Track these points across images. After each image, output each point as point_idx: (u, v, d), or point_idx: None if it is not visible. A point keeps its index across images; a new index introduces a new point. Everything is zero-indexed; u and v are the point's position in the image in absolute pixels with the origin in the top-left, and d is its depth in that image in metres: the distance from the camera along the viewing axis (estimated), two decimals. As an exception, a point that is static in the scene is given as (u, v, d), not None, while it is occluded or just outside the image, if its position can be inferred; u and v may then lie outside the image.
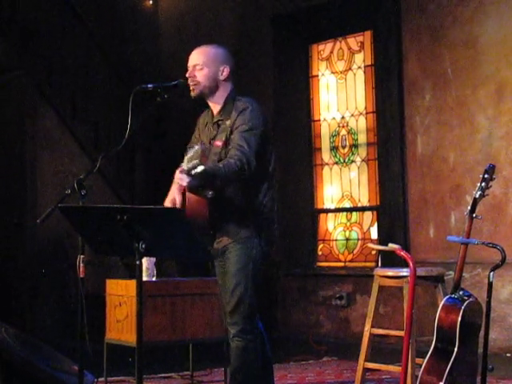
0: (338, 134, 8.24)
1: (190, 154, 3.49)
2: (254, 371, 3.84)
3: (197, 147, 3.51)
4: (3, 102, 8.20)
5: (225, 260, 3.90)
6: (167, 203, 3.90)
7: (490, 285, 3.89)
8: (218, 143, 3.89)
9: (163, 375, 5.92)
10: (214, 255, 3.95)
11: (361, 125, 8.04)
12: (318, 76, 8.41)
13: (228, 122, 3.86)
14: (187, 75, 3.92)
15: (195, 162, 3.43)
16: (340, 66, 8.23)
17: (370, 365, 4.89)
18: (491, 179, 4.09)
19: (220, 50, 3.98)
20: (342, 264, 8.10)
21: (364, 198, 8.00)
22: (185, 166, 3.47)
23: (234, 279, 3.84)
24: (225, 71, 3.92)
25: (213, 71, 3.90)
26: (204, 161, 3.50)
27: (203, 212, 3.77)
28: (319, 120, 8.40)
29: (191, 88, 3.92)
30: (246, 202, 3.85)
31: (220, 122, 3.93)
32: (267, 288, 8.20)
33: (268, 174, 3.91)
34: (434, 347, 4.01)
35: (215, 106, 3.98)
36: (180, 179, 3.55)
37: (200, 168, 3.42)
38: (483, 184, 4.06)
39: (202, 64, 3.90)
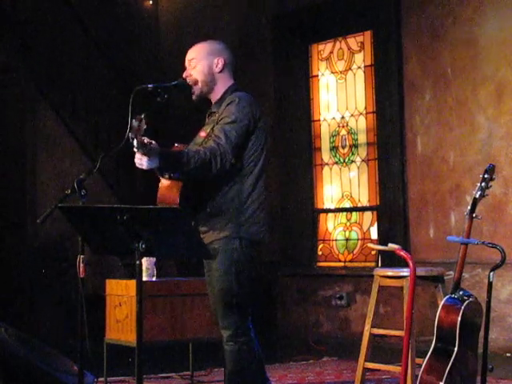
0: (338, 133, 8.24)
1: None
2: (249, 374, 3.81)
3: (133, 121, 3.33)
4: (3, 102, 8.20)
5: (209, 263, 3.85)
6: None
7: (490, 285, 3.89)
8: (202, 134, 3.87)
9: (163, 375, 5.92)
10: None
11: (361, 125, 8.04)
12: (318, 76, 8.41)
13: (217, 115, 3.83)
14: (184, 75, 3.90)
15: (130, 138, 3.32)
16: (340, 65, 8.23)
17: (370, 365, 4.89)
18: (491, 179, 4.09)
19: (213, 44, 3.98)
20: (342, 264, 8.10)
21: (364, 198, 8.00)
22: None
23: (218, 284, 3.78)
24: (219, 63, 3.90)
25: (207, 65, 3.88)
26: (136, 132, 3.30)
27: (173, 198, 3.69)
28: (319, 120, 8.40)
29: (192, 91, 3.90)
30: (226, 199, 3.76)
31: (212, 114, 3.92)
32: (267, 288, 8.21)
33: (253, 171, 3.81)
34: (434, 347, 4.01)
35: (213, 99, 3.96)
36: (139, 161, 3.48)
37: (136, 141, 3.30)
38: (483, 184, 4.07)
39: (195, 60, 3.89)
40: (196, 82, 3.89)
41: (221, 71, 3.91)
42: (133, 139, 3.31)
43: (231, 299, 3.76)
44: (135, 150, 3.37)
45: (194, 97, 3.93)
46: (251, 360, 3.81)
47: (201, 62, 3.89)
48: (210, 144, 3.67)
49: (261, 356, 3.90)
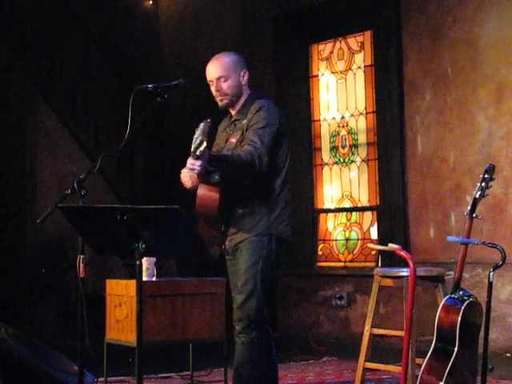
0: (338, 133, 8.24)
1: (195, 134, 3.47)
2: (257, 368, 3.85)
3: (201, 125, 3.47)
4: (3, 102, 8.20)
5: (235, 258, 3.95)
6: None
7: (490, 285, 3.89)
8: (233, 140, 3.98)
9: (163, 375, 5.92)
10: (226, 253, 4.02)
11: (361, 125, 8.04)
12: (318, 76, 8.41)
13: (244, 121, 3.95)
14: (214, 90, 3.98)
15: (198, 139, 3.41)
16: (340, 65, 8.23)
17: (370, 365, 4.89)
18: (491, 179, 4.09)
19: (236, 57, 4.07)
20: (342, 264, 8.10)
21: (364, 198, 8.00)
22: (192, 146, 3.45)
23: (242, 277, 3.88)
24: (245, 76, 4.03)
25: (236, 79, 3.99)
26: (203, 136, 3.45)
27: (213, 205, 3.79)
28: (319, 120, 8.40)
29: (219, 99, 3.99)
30: (257, 199, 3.90)
31: (237, 122, 4.03)
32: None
33: (281, 173, 3.96)
34: (434, 347, 4.01)
35: (234, 110, 4.06)
36: (191, 166, 3.54)
37: (204, 145, 3.40)
38: (483, 184, 4.07)
39: (225, 76, 3.97)
40: (227, 95, 3.98)
41: (245, 83, 4.03)
42: (202, 142, 3.40)
43: (252, 293, 3.84)
44: (198, 153, 3.43)
45: (221, 103, 4.01)
46: (261, 355, 3.86)
47: (230, 78, 3.98)
48: (246, 148, 3.79)
49: (275, 359, 3.95)
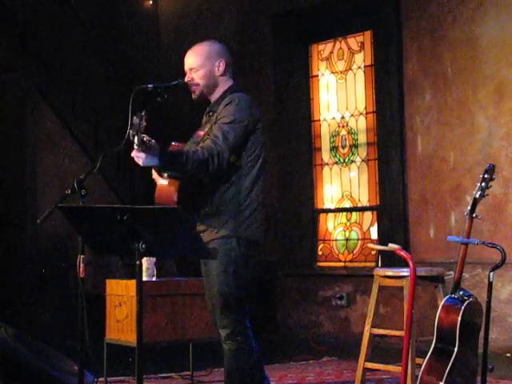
0: (338, 133, 8.24)
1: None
2: (247, 372, 3.81)
3: (134, 118, 3.36)
4: (3, 102, 8.20)
5: (206, 262, 3.85)
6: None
7: (490, 285, 3.89)
8: (200, 133, 3.89)
9: (163, 375, 5.92)
10: None
11: (361, 125, 8.04)
12: (318, 76, 8.41)
13: (215, 115, 3.83)
14: (185, 80, 3.90)
15: (131, 134, 3.36)
16: (340, 66, 8.23)
17: (370, 365, 4.89)
18: (491, 179, 4.09)
19: (213, 46, 3.96)
20: (342, 264, 8.10)
21: (364, 198, 8.00)
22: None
23: (216, 283, 3.78)
24: (221, 66, 3.90)
25: (209, 69, 3.89)
26: (137, 129, 3.35)
27: (171, 200, 3.70)
28: (319, 120, 8.40)
29: (192, 91, 3.91)
30: (223, 199, 3.77)
31: (210, 113, 3.93)
32: (267, 288, 8.21)
33: (251, 172, 3.81)
34: (434, 347, 4.01)
35: (213, 100, 3.97)
36: (136, 157, 3.51)
37: (136, 139, 3.34)
38: (483, 184, 4.07)
39: (197, 66, 3.89)
40: (198, 85, 3.90)
41: (222, 74, 3.91)
42: (133, 136, 3.34)
43: (229, 298, 3.77)
44: (135, 146, 3.39)
45: (193, 96, 3.94)
46: (250, 358, 3.81)
47: (202, 68, 3.88)
48: (207, 143, 3.68)
49: (259, 355, 3.90)
